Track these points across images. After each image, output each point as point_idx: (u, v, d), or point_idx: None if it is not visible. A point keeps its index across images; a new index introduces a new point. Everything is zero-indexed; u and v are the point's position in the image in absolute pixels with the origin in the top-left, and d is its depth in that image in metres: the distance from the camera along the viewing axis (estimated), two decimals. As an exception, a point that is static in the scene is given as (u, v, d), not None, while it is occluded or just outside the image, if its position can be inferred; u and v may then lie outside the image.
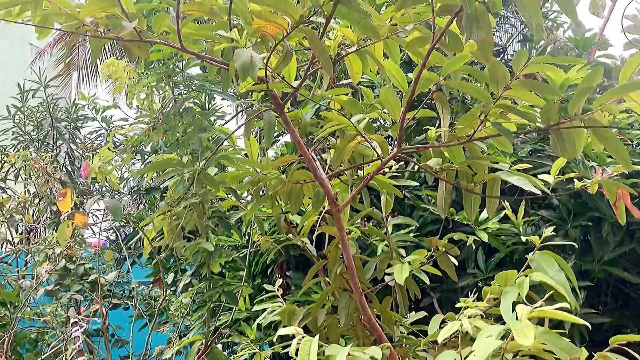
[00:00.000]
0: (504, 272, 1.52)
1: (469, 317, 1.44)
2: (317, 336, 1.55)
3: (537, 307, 1.21)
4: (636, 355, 1.66)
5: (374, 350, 1.60)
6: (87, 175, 2.06)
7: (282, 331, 1.72)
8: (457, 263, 2.32)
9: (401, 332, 2.61)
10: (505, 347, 1.25)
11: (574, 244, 2.96)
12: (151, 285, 4.50)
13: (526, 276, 1.46)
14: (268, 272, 4.29)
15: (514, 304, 1.40)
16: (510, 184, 1.95)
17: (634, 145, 3.84)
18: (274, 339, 3.59)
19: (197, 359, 2.43)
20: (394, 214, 3.19)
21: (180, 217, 2.03)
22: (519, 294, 1.39)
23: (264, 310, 3.70)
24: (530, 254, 1.61)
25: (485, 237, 3.24)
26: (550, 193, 1.93)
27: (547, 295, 1.26)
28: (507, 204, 2.78)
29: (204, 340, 2.47)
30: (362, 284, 2.21)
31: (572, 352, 1.16)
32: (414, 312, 2.89)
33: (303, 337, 1.54)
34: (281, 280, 3.22)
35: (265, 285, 3.28)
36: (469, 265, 3.74)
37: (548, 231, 1.68)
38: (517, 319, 1.24)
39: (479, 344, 1.20)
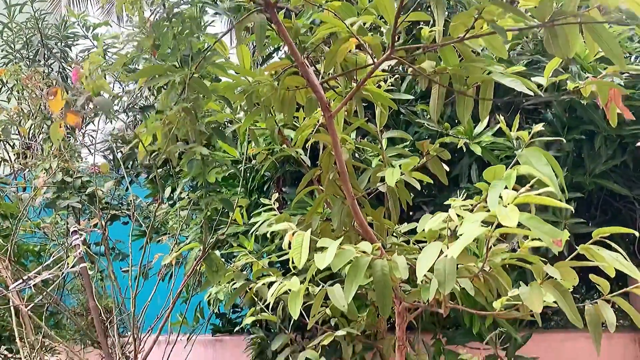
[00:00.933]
0: (492, 167, 1.55)
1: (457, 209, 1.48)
2: (310, 231, 1.60)
3: (522, 193, 1.24)
4: (617, 247, 1.72)
5: (364, 245, 1.65)
6: (78, 80, 2.04)
7: (275, 227, 1.77)
8: (448, 169, 2.35)
9: (393, 241, 2.69)
10: (490, 234, 1.29)
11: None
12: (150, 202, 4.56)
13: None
14: (265, 188, 4.34)
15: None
16: (505, 100, 1.94)
17: (632, 59, 3.80)
18: (271, 249, 3.69)
19: (195, 264, 2.50)
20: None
21: (172, 122, 2.03)
22: (505, 187, 1.42)
23: (261, 223, 3.77)
24: (519, 150, 1.63)
25: (478, 150, 3.26)
26: (542, 94, 1.93)
27: (532, 181, 1.29)
28: (502, 118, 2.79)
29: (201, 247, 2.54)
30: (355, 190, 2.24)
31: (555, 235, 1.20)
32: (406, 224, 2.96)
33: (296, 232, 1.59)
34: (277, 195, 3.27)
35: (261, 199, 3.34)
36: (462, 180, 3.79)
37: (538, 127, 1.69)
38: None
39: (464, 229, 1.24)
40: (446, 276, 1.43)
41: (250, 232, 3.94)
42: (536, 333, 4.41)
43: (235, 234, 4.09)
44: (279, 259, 3.31)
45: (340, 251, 1.52)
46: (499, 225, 1.31)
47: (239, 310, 5.54)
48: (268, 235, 4.13)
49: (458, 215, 1.45)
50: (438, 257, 1.50)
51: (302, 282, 1.79)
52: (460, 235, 1.24)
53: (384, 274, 1.55)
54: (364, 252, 1.59)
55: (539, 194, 1.24)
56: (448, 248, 1.44)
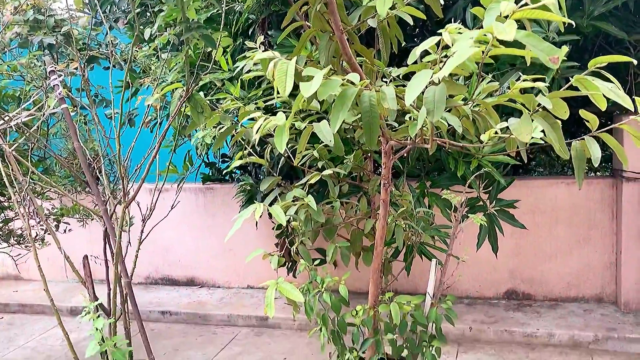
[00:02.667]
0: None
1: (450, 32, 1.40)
2: (295, 59, 1.52)
3: (522, 6, 1.15)
4: (610, 76, 1.67)
5: (353, 76, 1.59)
6: None
7: (259, 55, 1.69)
8: (442, 1, 2.21)
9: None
10: (484, 57, 1.23)
11: None
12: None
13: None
14: (249, 32, 4.17)
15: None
16: None
17: None
18: (257, 94, 3.63)
19: (179, 104, 2.44)
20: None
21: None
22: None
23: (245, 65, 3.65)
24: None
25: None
26: None
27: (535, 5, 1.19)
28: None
29: (185, 88, 2.46)
30: (344, 24, 2.12)
31: (552, 52, 1.14)
32: (395, 67, 2.87)
33: (280, 60, 1.51)
34: (262, 38, 3.13)
35: (247, 42, 3.19)
36: (456, 22, 3.64)
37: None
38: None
39: (457, 47, 1.17)
40: (435, 103, 1.39)
41: (236, 77, 3.84)
42: (518, 179, 4.54)
43: (221, 80, 4.00)
44: (266, 104, 3.25)
45: (327, 80, 1.46)
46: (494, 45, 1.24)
47: (228, 160, 5.61)
48: (255, 81, 4.05)
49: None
50: (428, 86, 1.45)
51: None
52: (453, 54, 1.17)
53: (372, 105, 1.50)
54: (352, 82, 1.53)
55: (539, 7, 1.16)
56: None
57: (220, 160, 5.74)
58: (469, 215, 2.86)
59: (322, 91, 1.42)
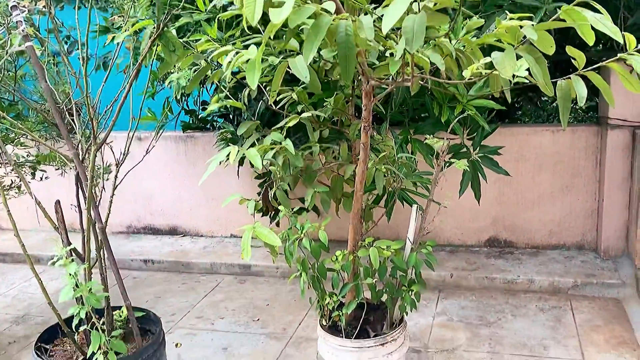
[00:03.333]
0: None
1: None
2: (265, -15, 1.41)
3: None
4: (600, 7, 1.59)
5: (328, 5, 1.49)
6: None
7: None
8: None
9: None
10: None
11: None
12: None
13: None
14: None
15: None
16: None
17: None
18: (235, 34, 3.49)
19: (150, 42, 2.32)
20: None
21: None
22: None
23: (223, 7, 3.50)
24: None
25: None
26: None
27: None
28: None
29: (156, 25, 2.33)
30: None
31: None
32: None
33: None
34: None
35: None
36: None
37: None
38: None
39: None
40: (415, 33, 1.30)
41: (214, 18, 3.69)
42: (503, 127, 4.49)
43: (197, 22, 3.84)
44: (244, 44, 3.12)
45: (299, 8, 1.36)
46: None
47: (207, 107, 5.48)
48: (232, 22, 3.89)
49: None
50: (408, 15, 1.36)
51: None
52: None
53: (348, 35, 1.41)
54: (326, 11, 1.44)
55: None
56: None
57: (201, 107, 5.61)
58: (452, 161, 2.81)
59: (293, 19, 1.33)
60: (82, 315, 2.37)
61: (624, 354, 3.31)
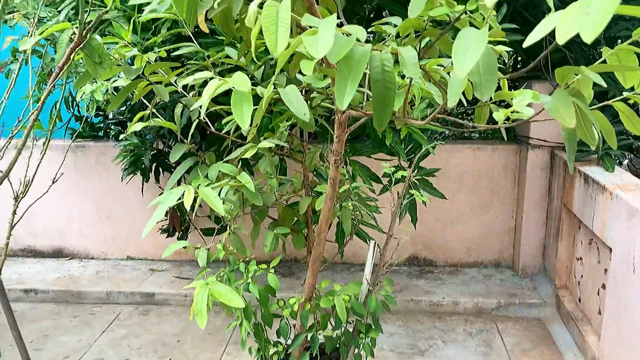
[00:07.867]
0: None
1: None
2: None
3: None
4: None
5: (353, 29, 1.16)
6: None
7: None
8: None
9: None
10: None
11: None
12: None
13: None
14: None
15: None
16: None
17: None
18: (156, 41, 3.01)
19: (70, 52, 1.83)
20: None
21: None
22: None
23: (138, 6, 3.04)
24: None
25: None
26: None
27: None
28: None
29: (77, 30, 1.85)
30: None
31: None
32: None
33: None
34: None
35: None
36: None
37: None
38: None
39: None
40: (482, 76, 1.02)
41: (126, 17, 3.19)
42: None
43: (104, 21, 3.30)
44: (171, 54, 2.68)
45: (338, 37, 1.01)
46: None
47: (102, 113, 4.84)
48: (150, 25, 3.40)
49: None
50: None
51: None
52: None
53: (385, 72, 1.10)
54: (356, 39, 1.11)
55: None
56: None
57: (95, 113, 4.94)
58: (389, 187, 2.58)
59: (335, 52, 0.99)
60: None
61: (560, 380, 3.31)
